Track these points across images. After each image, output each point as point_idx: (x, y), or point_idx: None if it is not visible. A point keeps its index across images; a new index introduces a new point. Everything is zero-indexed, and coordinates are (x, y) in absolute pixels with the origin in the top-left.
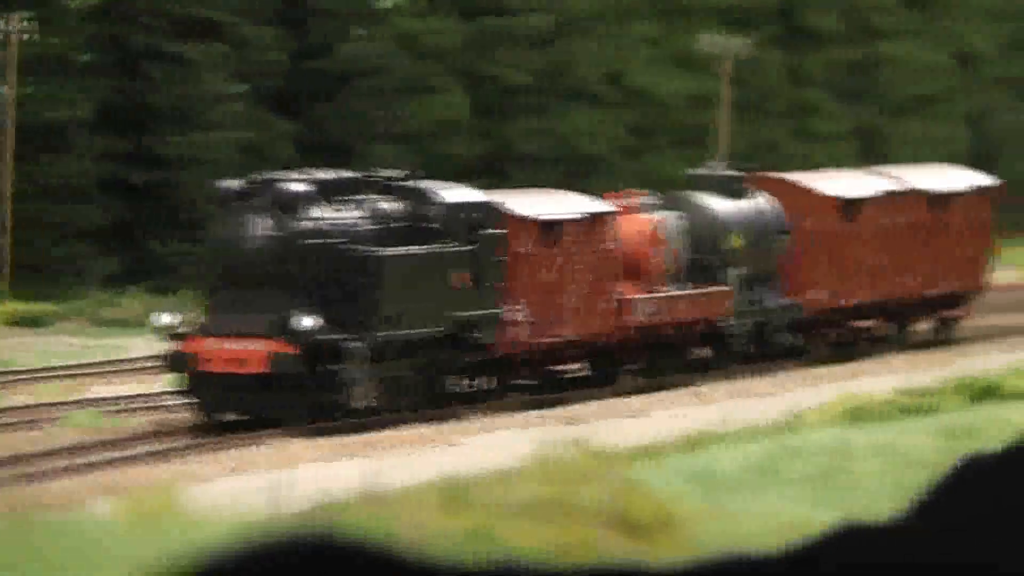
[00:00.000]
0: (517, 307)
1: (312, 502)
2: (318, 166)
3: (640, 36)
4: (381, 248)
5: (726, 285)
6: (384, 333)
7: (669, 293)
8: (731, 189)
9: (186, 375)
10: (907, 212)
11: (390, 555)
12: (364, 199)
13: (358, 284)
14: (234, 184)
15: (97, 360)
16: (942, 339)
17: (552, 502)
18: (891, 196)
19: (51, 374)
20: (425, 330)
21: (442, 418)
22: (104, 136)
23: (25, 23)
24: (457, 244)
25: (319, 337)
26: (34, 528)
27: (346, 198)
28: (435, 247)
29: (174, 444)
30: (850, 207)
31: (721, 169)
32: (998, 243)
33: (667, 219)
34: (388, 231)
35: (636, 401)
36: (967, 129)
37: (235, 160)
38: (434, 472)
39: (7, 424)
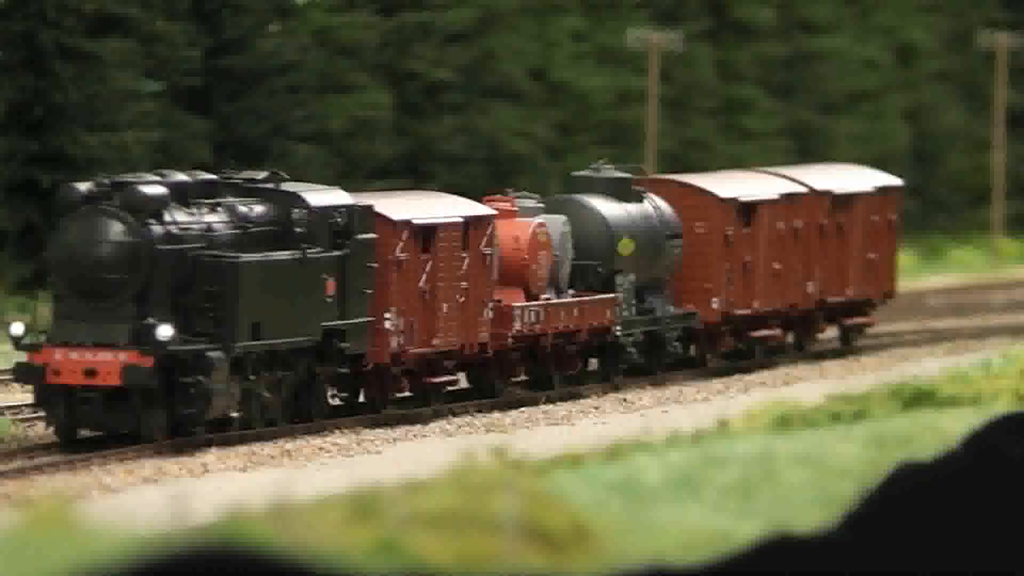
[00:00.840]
0: (388, 315)
1: (218, 513)
2: (232, 165)
3: (566, 31)
4: (239, 254)
5: (614, 293)
6: (244, 343)
7: (550, 301)
8: (620, 192)
9: (35, 388)
10: (806, 215)
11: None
12: (222, 202)
13: (215, 291)
14: (82, 187)
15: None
16: (847, 349)
17: (463, 513)
18: (790, 198)
19: None
20: (289, 339)
21: (367, 425)
22: (11, 136)
23: None
24: (323, 249)
25: (175, 347)
26: None
27: (203, 201)
28: (298, 252)
29: (85, 454)
30: (746, 210)
31: (609, 171)
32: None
33: (550, 223)
34: (248, 236)
35: (561, 408)
36: (906, 126)
37: (148, 160)
38: (348, 482)
39: None
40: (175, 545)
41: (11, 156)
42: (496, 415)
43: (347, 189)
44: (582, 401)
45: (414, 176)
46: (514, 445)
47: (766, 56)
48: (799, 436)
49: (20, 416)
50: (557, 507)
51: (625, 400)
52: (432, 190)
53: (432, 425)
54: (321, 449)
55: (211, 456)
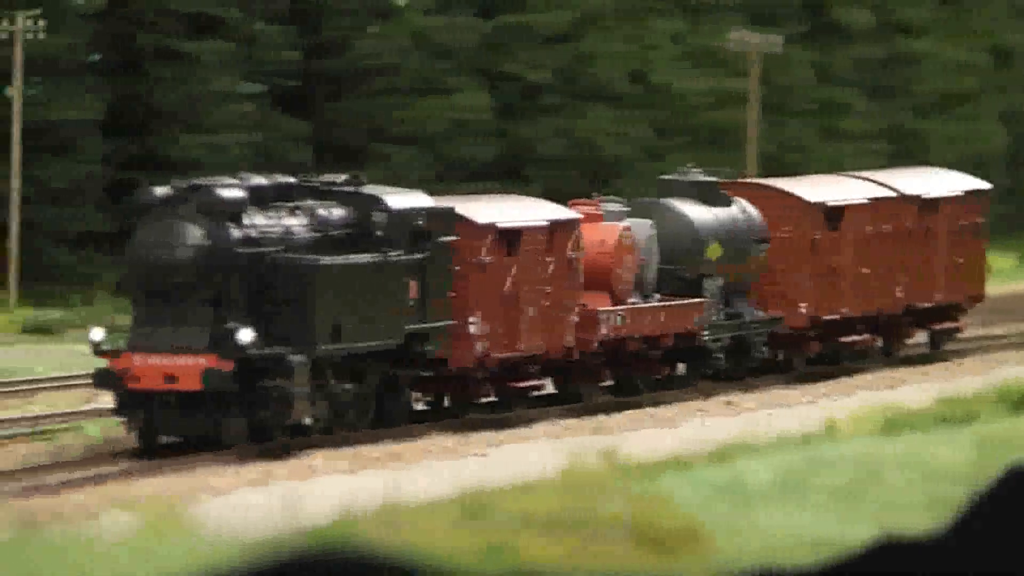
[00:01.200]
0: (472, 319)
1: (329, 516)
2: (330, 167)
3: (664, 33)
4: (318, 256)
5: (701, 297)
6: (324, 347)
7: (636, 305)
8: (708, 196)
9: (115, 394)
10: (894, 219)
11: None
12: (301, 205)
13: (294, 295)
14: (159, 191)
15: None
16: (935, 353)
17: (573, 515)
18: (877, 202)
19: (64, 383)
20: (370, 343)
21: (469, 429)
22: (111, 138)
23: (31, 22)
24: (403, 252)
25: (254, 352)
26: (43, 542)
27: (282, 204)
28: (379, 255)
29: (192, 455)
30: (834, 214)
31: (697, 174)
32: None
33: (635, 227)
34: (327, 239)
35: (666, 411)
36: (1001, 128)
37: (245, 162)
38: (456, 485)
39: (21, 434)
40: (288, 547)
41: (109, 158)
42: (601, 417)
43: (444, 192)
44: (687, 403)
45: (511, 179)
46: (621, 447)
47: (863, 58)
48: (906, 439)
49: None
50: (666, 509)
51: (729, 403)
52: (529, 193)
53: (537, 427)
54: (426, 451)
55: (318, 458)
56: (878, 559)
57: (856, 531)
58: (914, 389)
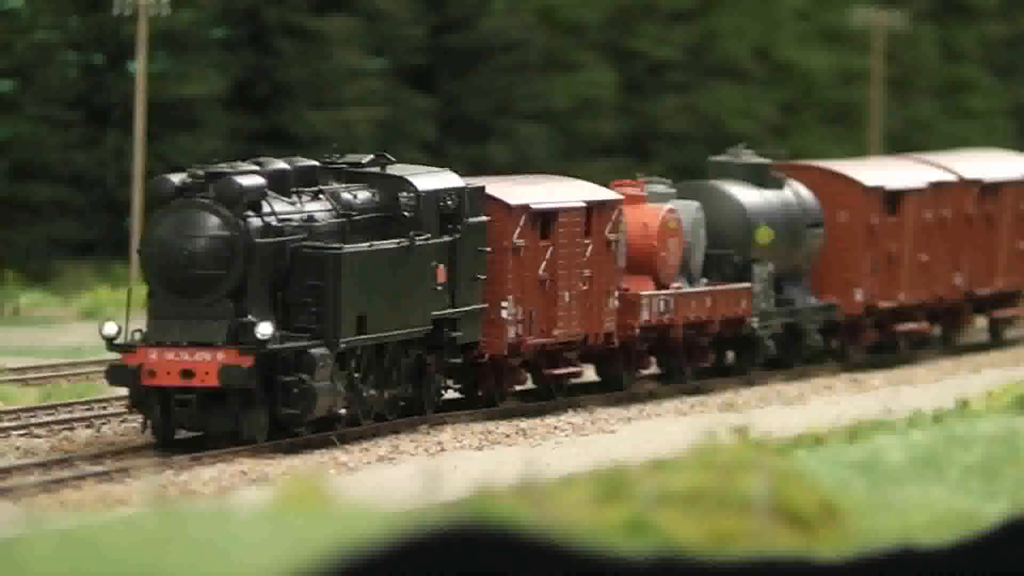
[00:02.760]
0: (504, 304)
1: (465, 491)
2: (457, 143)
3: (789, 10)
4: (342, 244)
5: (751, 283)
6: (348, 338)
7: (681, 290)
8: (759, 178)
9: (130, 390)
10: (954, 204)
11: (550, 545)
12: (325, 189)
13: (317, 285)
14: (175, 178)
15: None
16: (995, 342)
17: (711, 492)
18: (937, 187)
19: None
20: (397, 332)
21: (601, 404)
22: (236, 113)
23: None
24: (432, 235)
25: (275, 345)
26: (184, 517)
27: (305, 189)
28: (406, 240)
29: (321, 433)
30: (892, 199)
31: (749, 156)
32: None
33: (681, 209)
34: (352, 224)
35: (792, 388)
36: None
37: (372, 137)
38: (589, 461)
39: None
40: (430, 522)
41: (236, 133)
42: (729, 394)
43: (570, 168)
44: (813, 380)
45: (636, 155)
46: (753, 425)
47: (989, 36)
48: None
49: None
50: (804, 486)
51: (856, 380)
52: (654, 170)
53: (666, 404)
54: (556, 428)
55: (446, 435)
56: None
57: (994, 508)
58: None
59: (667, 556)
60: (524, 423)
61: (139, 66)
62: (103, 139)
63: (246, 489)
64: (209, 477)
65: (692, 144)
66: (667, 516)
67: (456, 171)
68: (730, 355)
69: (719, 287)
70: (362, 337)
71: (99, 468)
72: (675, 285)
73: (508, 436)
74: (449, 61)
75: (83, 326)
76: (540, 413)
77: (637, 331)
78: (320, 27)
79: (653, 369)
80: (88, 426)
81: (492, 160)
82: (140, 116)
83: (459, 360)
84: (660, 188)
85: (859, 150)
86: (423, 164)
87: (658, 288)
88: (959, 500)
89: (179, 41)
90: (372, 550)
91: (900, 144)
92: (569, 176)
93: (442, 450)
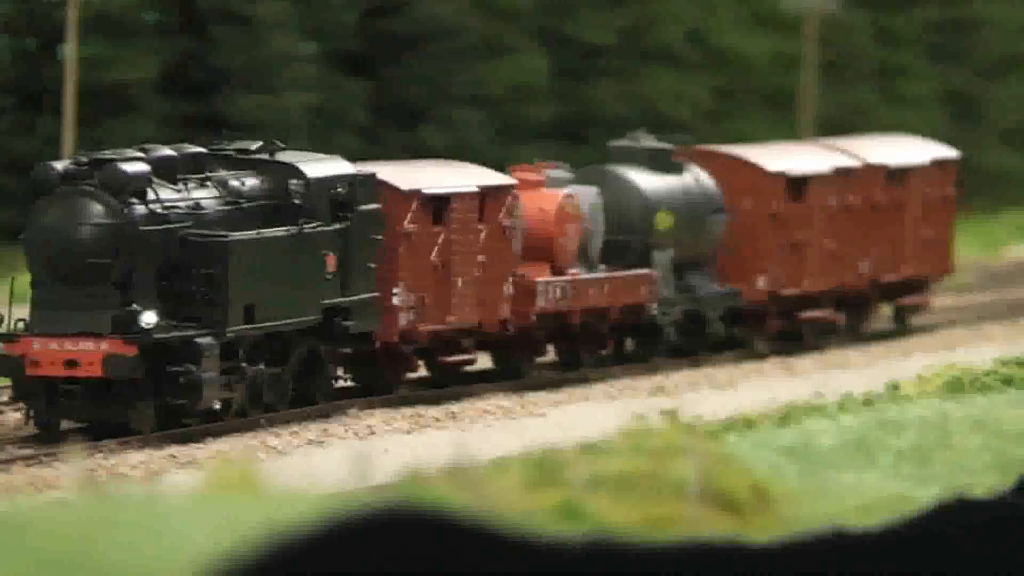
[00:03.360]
0: (396, 291)
1: (396, 475)
2: (392, 129)
3: None
4: (229, 232)
5: (651, 269)
6: (236, 327)
7: (578, 277)
8: (660, 163)
9: (14, 381)
10: (861, 190)
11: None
12: (213, 176)
13: (204, 274)
14: (58, 166)
15: None
16: (901, 330)
17: (643, 477)
18: (843, 172)
19: None
20: (287, 320)
21: (524, 389)
22: (169, 99)
23: None
24: (323, 223)
25: (160, 335)
26: (113, 501)
27: (191, 176)
28: (294, 228)
29: (252, 417)
30: (797, 185)
31: (649, 140)
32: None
33: (579, 195)
34: (240, 212)
35: (721, 372)
36: None
37: (306, 123)
38: (519, 444)
39: None
40: (360, 505)
41: (170, 119)
42: (658, 378)
43: (507, 153)
44: (744, 365)
45: (573, 140)
46: (684, 408)
47: (924, 21)
48: (972, 401)
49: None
50: (736, 471)
51: (786, 364)
52: (588, 156)
53: (596, 387)
54: (485, 411)
55: (376, 419)
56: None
57: (926, 492)
58: (976, 351)
59: (600, 539)
60: (454, 406)
61: (69, 51)
62: (35, 125)
63: (176, 473)
64: (138, 461)
65: (628, 128)
66: (599, 501)
67: (389, 157)
68: (629, 343)
69: (618, 273)
70: (250, 327)
71: (28, 451)
72: (573, 271)
73: (438, 419)
74: (384, 46)
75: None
76: (469, 396)
77: (533, 318)
78: (253, 12)
79: (551, 357)
80: (17, 409)
81: (428, 145)
82: (70, 101)
83: (348, 350)
84: (559, 173)
85: (794, 134)
86: (357, 150)
87: (555, 274)
88: (891, 484)
89: (112, 25)
90: (302, 533)
91: (835, 129)
92: (505, 161)
93: (372, 434)
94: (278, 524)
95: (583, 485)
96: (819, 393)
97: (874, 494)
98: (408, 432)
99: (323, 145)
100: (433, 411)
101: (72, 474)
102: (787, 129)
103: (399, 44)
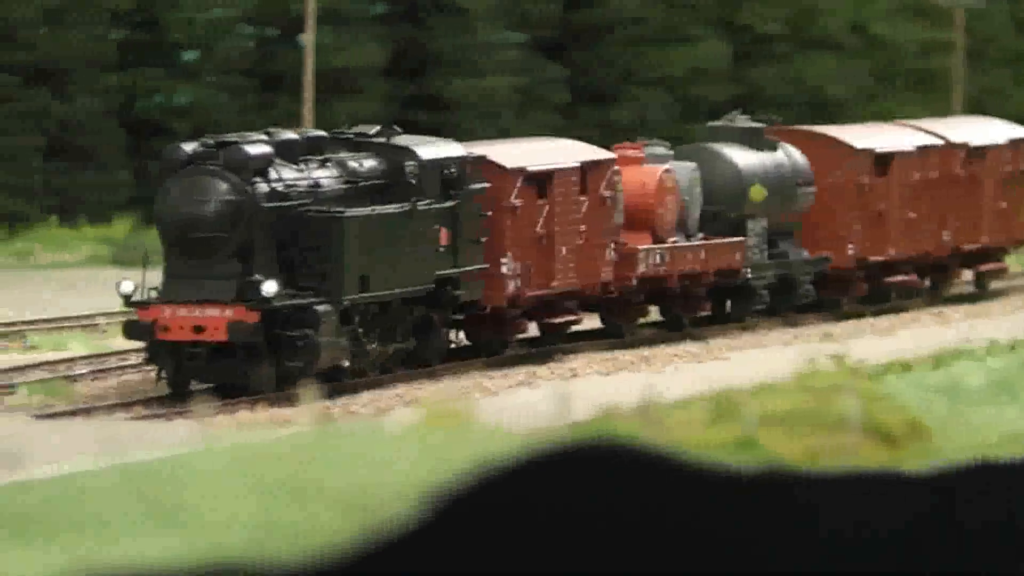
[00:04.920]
0: (504, 260)
1: (592, 412)
2: (586, 108)
3: None
4: (344, 209)
5: (744, 237)
6: (351, 296)
7: (676, 244)
8: (753, 141)
9: (146, 344)
10: (941, 166)
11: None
12: (331, 158)
13: (321, 247)
14: (187, 147)
15: None
16: (981, 293)
17: (810, 413)
18: (925, 149)
19: None
20: (399, 290)
21: (715, 335)
22: (392, 81)
23: None
24: (433, 201)
25: (279, 303)
26: (340, 434)
27: (311, 158)
28: (407, 205)
29: (470, 361)
30: (882, 160)
31: (744, 121)
32: None
33: (678, 169)
34: (356, 190)
35: (883, 321)
36: None
37: (511, 103)
38: (703, 386)
39: None
40: (558, 439)
41: (391, 98)
42: (827, 326)
43: (685, 130)
44: (903, 315)
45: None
46: (849, 353)
47: None
48: None
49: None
50: (893, 407)
51: (941, 313)
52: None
53: (772, 335)
54: (675, 356)
55: (578, 362)
56: None
57: None
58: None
59: (771, 469)
60: (647, 351)
61: (308, 39)
62: (275, 104)
63: (400, 410)
64: (368, 399)
65: (794, 107)
66: (770, 434)
67: (585, 133)
68: (728, 304)
69: (713, 241)
70: (365, 295)
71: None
72: (672, 240)
73: (632, 363)
74: (579, 35)
75: None
76: (662, 342)
77: (634, 282)
78: (466, 4)
79: (655, 317)
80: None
81: (617, 122)
82: (308, 83)
83: (460, 316)
84: (659, 150)
85: (942, 113)
86: (557, 126)
87: (655, 243)
88: None
89: (343, 17)
90: (506, 464)
91: (977, 107)
92: (683, 136)
93: (575, 375)
94: (484, 456)
95: (755, 421)
96: (968, 339)
97: (1016, 428)
98: (606, 374)
99: (525, 122)
100: (629, 355)
101: (309, 411)
102: (936, 108)
103: (592, 32)
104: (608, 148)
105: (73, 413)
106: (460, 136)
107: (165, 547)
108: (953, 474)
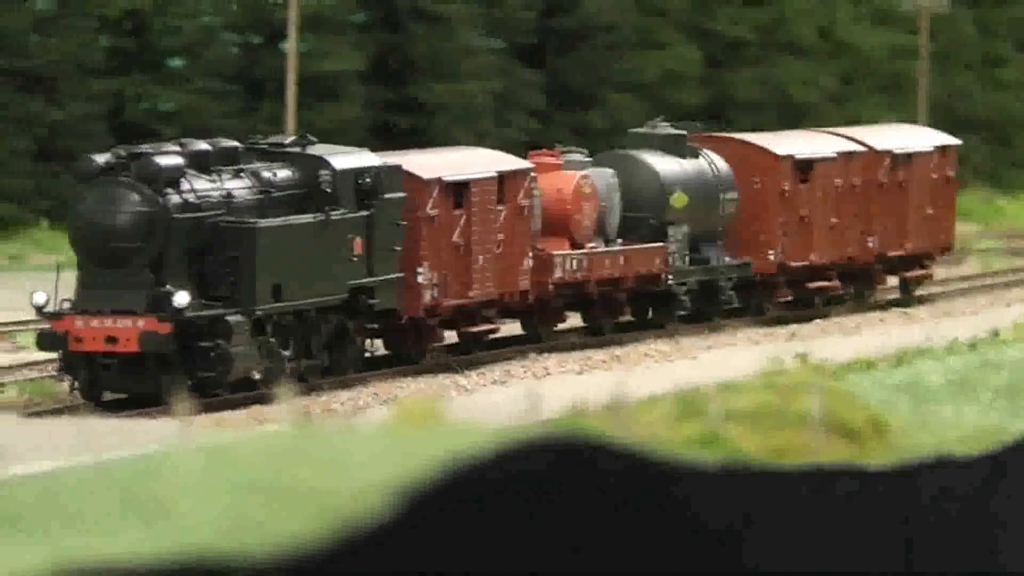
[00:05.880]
0: (420, 270)
1: (561, 410)
2: (561, 111)
3: None
4: (257, 219)
5: (665, 242)
6: (264, 305)
7: (594, 249)
8: (675, 148)
9: (60, 354)
10: (865, 172)
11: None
12: (245, 168)
13: (234, 257)
14: (99, 158)
15: None
16: (907, 300)
17: (774, 410)
18: (847, 156)
19: None
20: (313, 300)
21: (680, 335)
22: (373, 86)
23: None
24: (348, 210)
25: (191, 314)
26: (318, 432)
27: (224, 168)
28: (321, 215)
29: (438, 360)
30: (804, 167)
31: (665, 128)
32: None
33: (595, 175)
34: (270, 200)
35: (849, 321)
36: None
37: (488, 107)
38: (670, 383)
39: None
40: (529, 434)
41: (373, 102)
42: (795, 327)
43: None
44: (869, 315)
45: (716, 120)
46: (814, 352)
47: (1017, 17)
48: None
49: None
50: (855, 405)
51: (906, 313)
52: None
53: (740, 334)
54: (646, 355)
55: (551, 361)
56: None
57: (1019, 424)
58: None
59: (734, 464)
60: (619, 351)
61: (290, 45)
62: (259, 109)
63: (377, 408)
64: (347, 398)
65: (764, 110)
66: (735, 431)
67: (560, 136)
68: (650, 310)
69: (633, 246)
70: (277, 305)
71: (250, 392)
72: (591, 245)
73: (605, 362)
74: (555, 40)
75: None
76: (634, 341)
77: (551, 288)
78: (444, 11)
79: (576, 323)
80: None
81: (591, 125)
82: (291, 88)
83: (376, 325)
84: (576, 156)
85: (908, 116)
86: (532, 129)
87: (573, 248)
88: (989, 417)
89: (324, 24)
90: (474, 459)
91: (944, 111)
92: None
93: (548, 374)
94: (454, 453)
95: (720, 418)
96: (929, 338)
97: (974, 425)
98: (579, 373)
99: (503, 126)
100: (601, 354)
101: (288, 410)
102: (903, 111)
103: (568, 38)
104: (525, 157)
105: (60, 411)
106: (438, 140)
107: (142, 542)
108: (913, 468)
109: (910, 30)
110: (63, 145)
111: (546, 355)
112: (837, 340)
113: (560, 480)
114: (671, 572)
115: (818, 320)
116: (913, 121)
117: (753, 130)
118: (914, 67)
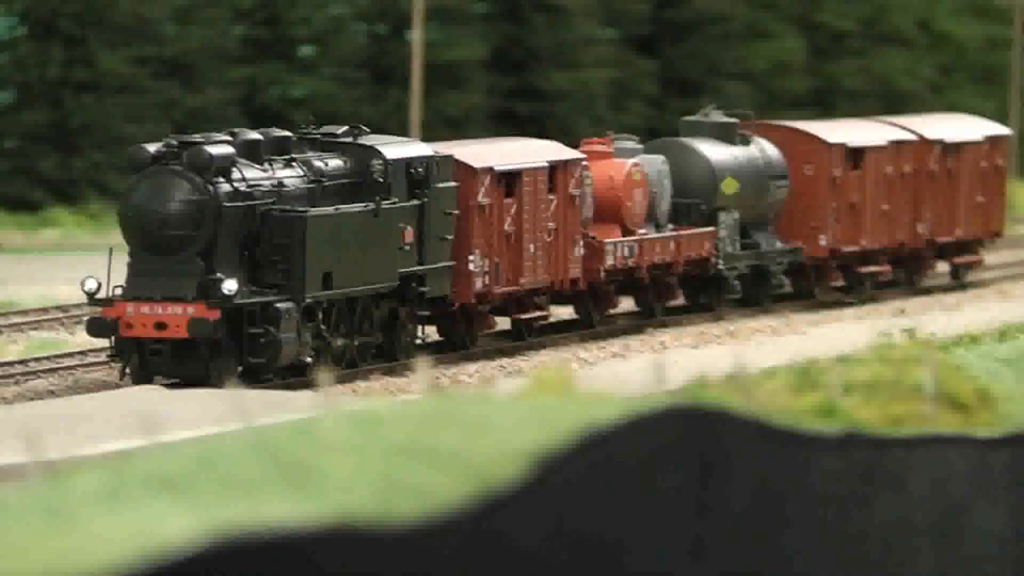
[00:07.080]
0: (471, 258)
1: (684, 381)
2: (674, 99)
3: None
4: (308, 208)
5: (715, 228)
6: (313, 293)
7: (645, 236)
8: (726, 135)
9: (110, 340)
10: (914, 160)
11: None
12: (296, 158)
13: (283, 245)
14: (151, 147)
15: None
16: (957, 284)
17: (887, 382)
18: (898, 144)
19: None
20: (363, 287)
21: (794, 311)
22: (493, 74)
23: None
24: (399, 200)
25: (240, 300)
26: (456, 400)
27: (276, 158)
28: (372, 204)
29: (567, 335)
30: (855, 154)
31: (717, 116)
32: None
33: (646, 163)
34: (322, 189)
35: (950, 298)
36: None
37: (604, 94)
38: (785, 357)
39: None
40: (657, 403)
41: (494, 90)
42: (898, 303)
43: (766, 119)
44: (967, 292)
45: (821, 108)
46: (920, 327)
47: None
48: None
49: None
50: (964, 377)
51: (1002, 291)
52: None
53: (847, 311)
54: (757, 330)
55: (667, 336)
56: None
57: None
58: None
59: (851, 432)
60: (732, 326)
61: (415, 35)
62: (386, 95)
63: (504, 380)
64: (474, 370)
65: (867, 99)
66: (851, 402)
67: (674, 123)
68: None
69: (683, 232)
70: (327, 292)
71: (385, 364)
72: (641, 231)
73: (718, 337)
74: (669, 31)
75: None
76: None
77: (602, 275)
78: (564, 3)
79: (628, 307)
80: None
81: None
82: (416, 76)
83: (427, 312)
84: (627, 144)
85: (1003, 105)
86: (648, 116)
87: (624, 235)
88: None
89: (448, 14)
90: (611, 425)
91: None
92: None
93: (665, 348)
94: (589, 420)
95: (837, 389)
96: None
97: None
98: (694, 347)
99: (619, 112)
100: (715, 329)
101: (421, 380)
102: (997, 100)
103: (681, 28)
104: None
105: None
106: (557, 126)
107: (295, 505)
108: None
109: (1004, 22)
110: (200, 130)
111: (662, 330)
112: (940, 316)
113: (689, 447)
114: (797, 534)
115: (921, 298)
116: (1006, 108)
117: (856, 114)
118: (1007, 58)
